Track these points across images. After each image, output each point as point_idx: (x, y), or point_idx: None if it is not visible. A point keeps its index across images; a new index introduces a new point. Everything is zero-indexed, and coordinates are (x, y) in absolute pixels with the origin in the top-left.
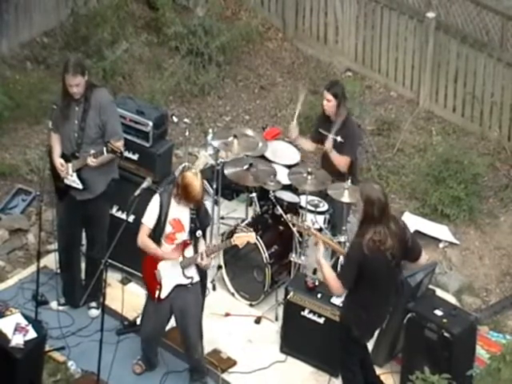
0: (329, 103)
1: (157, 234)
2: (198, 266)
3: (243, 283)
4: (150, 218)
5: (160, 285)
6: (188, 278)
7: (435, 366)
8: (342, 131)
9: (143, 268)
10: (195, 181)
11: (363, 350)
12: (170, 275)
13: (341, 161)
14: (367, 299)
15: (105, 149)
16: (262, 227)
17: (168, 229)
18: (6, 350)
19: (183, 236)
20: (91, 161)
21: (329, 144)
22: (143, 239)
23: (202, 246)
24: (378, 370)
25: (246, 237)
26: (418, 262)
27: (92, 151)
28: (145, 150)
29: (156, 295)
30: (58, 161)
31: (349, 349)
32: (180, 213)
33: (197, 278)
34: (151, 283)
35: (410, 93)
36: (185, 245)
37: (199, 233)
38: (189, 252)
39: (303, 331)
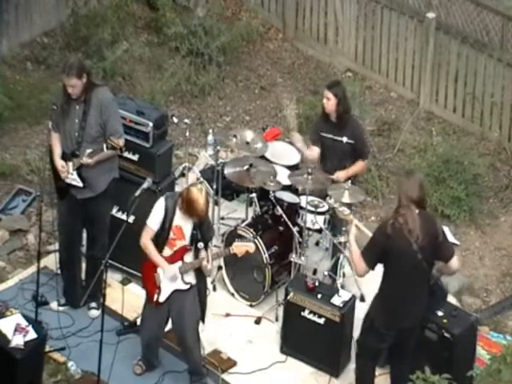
0: (329, 102)
1: (160, 240)
2: (196, 272)
3: (243, 284)
4: (154, 221)
5: (159, 289)
6: (186, 283)
7: (435, 367)
8: (348, 133)
9: (143, 271)
10: (200, 197)
11: (381, 349)
12: (169, 280)
13: (361, 168)
14: (394, 292)
15: (105, 145)
16: (262, 227)
17: (170, 235)
18: (6, 350)
19: (183, 243)
20: (86, 161)
21: (341, 176)
22: (146, 242)
23: (203, 254)
24: (377, 370)
25: (245, 247)
26: (450, 264)
27: (88, 150)
28: (145, 151)
29: (155, 299)
30: (60, 162)
31: (368, 342)
32: (183, 221)
33: (193, 282)
34: (150, 287)
35: (411, 93)
36: (184, 250)
37: (200, 245)
38: (188, 258)
39: (303, 332)
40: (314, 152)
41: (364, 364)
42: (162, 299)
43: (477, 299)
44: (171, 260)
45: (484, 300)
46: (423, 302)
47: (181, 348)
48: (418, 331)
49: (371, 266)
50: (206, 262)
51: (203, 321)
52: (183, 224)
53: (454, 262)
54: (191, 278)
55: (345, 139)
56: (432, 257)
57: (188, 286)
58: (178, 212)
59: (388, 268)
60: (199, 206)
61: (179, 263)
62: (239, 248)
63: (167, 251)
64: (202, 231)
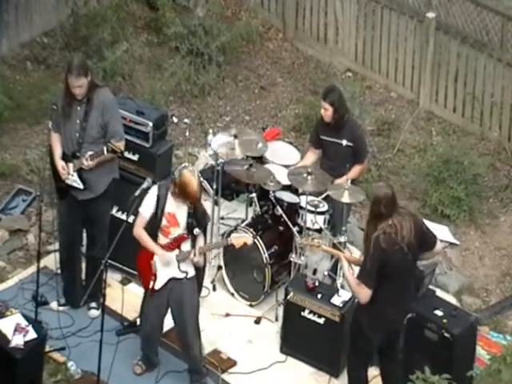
0: (326, 112)
1: (153, 227)
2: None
3: (243, 283)
4: (146, 208)
5: (155, 276)
6: (183, 272)
7: (435, 366)
8: (347, 135)
9: (139, 258)
10: (193, 179)
11: (372, 352)
12: (166, 267)
13: (360, 171)
14: (384, 295)
15: (105, 148)
16: (262, 227)
17: (163, 222)
18: (6, 350)
19: (178, 231)
20: (87, 163)
21: (342, 180)
22: (138, 231)
23: (200, 243)
24: (375, 371)
25: (243, 238)
26: (435, 250)
27: (89, 153)
28: (145, 151)
29: (150, 286)
30: (60, 163)
31: (357, 346)
32: (176, 208)
33: (192, 273)
34: (146, 273)
35: (410, 93)
36: (182, 239)
37: (197, 230)
38: (186, 246)
39: (303, 331)
40: (310, 158)
41: (358, 375)
42: (157, 286)
43: (477, 299)
44: (168, 248)
45: (484, 300)
46: (410, 298)
47: (181, 343)
48: (404, 328)
49: (373, 287)
50: (192, 255)
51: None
52: (177, 211)
53: (438, 247)
54: (188, 267)
55: (344, 142)
56: (419, 250)
57: (184, 275)
58: (170, 199)
59: (383, 277)
60: (192, 188)
61: (176, 251)
62: (237, 239)
63: (162, 239)
64: (197, 218)
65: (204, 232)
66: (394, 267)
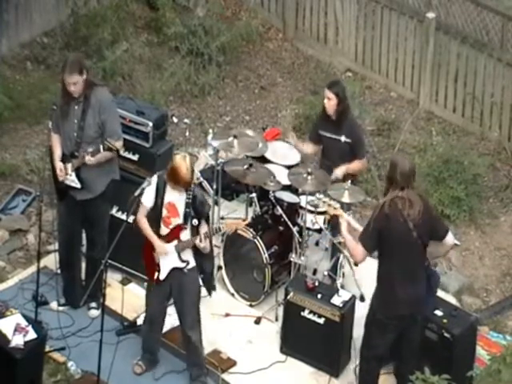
0: (330, 101)
1: (155, 217)
2: (195, 253)
3: (243, 283)
4: (148, 198)
5: (158, 266)
6: (184, 261)
7: (435, 367)
8: (346, 132)
9: (143, 251)
10: (183, 163)
11: (384, 346)
12: (167, 258)
13: (359, 166)
14: (390, 274)
15: (101, 146)
16: (262, 227)
17: (164, 212)
18: (6, 350)
19: (177, 221)
20: (88, 159)
21: (339, 172)
22: (141, 221)
23: (204, 231)
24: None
25: (234, 223)
26: (445, 242)
27: (89, 149)
28: (145, 151)
29: (155, 277)
30: (58, 165)
31: (370, 337)
32: (175, 197)
33: (193, 263)
34: (151, 265)
35: (410, 93)
36: (180, 229)
37: (195, 221)
38: (184, 236)
39: (303, 332)
40: (309, 148)
41: (368, 370)
42: (162, 277)
43: (477, 299)
44: (168, 239)
45: (484, 300)
46: (421, 287)
47: (181, 333)
48: (420, 327)
49: (370, 249)
50: (198, 240)
51: (210, 293)
52: (176, 200)
53: (449, 238)
54: (189, 257)
55: (343, 138)
56: (427, 235)
57: (185, 264)
58: (169, 188)
59: (384, 249)
60: (182, 171)
61: (175, 242)
62: (229, 225)
63: (164, 230)
64: (195, 208)
65: (207, 220)
66: (393, 237)
